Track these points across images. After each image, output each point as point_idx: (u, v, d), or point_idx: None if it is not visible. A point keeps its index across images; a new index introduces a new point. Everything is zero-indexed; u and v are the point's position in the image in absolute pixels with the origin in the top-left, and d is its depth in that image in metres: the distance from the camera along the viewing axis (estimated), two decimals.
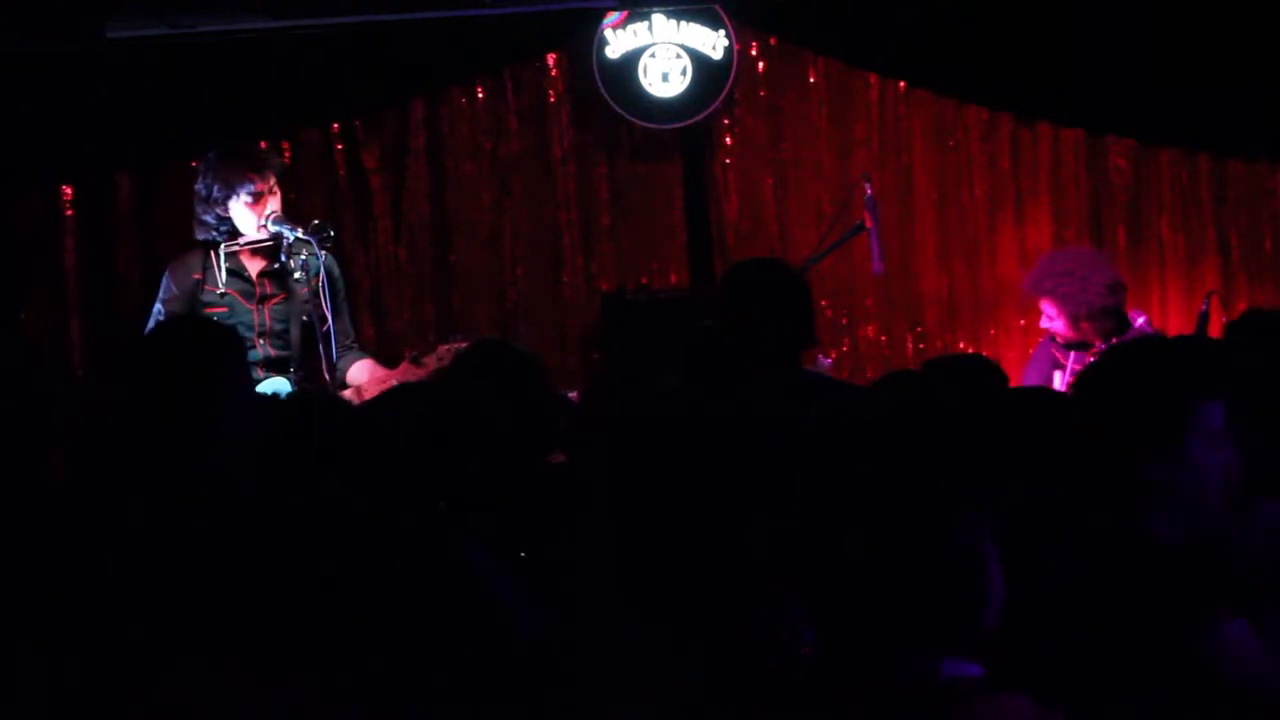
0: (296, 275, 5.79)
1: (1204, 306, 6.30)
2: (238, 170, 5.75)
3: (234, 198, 5.74)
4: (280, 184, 5.86)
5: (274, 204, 5.77)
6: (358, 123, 7.50)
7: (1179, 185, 7.69)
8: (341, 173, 7.50)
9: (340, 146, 7.49)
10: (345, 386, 5.81)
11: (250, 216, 5.75)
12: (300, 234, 5.74)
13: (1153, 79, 7.39)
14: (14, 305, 7.30)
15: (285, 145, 7.41)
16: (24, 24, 6.65)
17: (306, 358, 5.87)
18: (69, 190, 7.32)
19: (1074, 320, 6.31)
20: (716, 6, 7.45)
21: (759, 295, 4.56)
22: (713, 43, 7.45)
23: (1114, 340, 6.30)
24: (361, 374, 5.85)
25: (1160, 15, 7.33)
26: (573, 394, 6.59)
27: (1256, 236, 7.68)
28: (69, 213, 7.32)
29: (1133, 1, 7.38)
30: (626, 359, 7.08)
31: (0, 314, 7.25)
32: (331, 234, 5.81)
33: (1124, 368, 2.78)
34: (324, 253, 5.73)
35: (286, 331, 5.85)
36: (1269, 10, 7.28)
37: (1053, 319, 6.36)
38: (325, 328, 5.72)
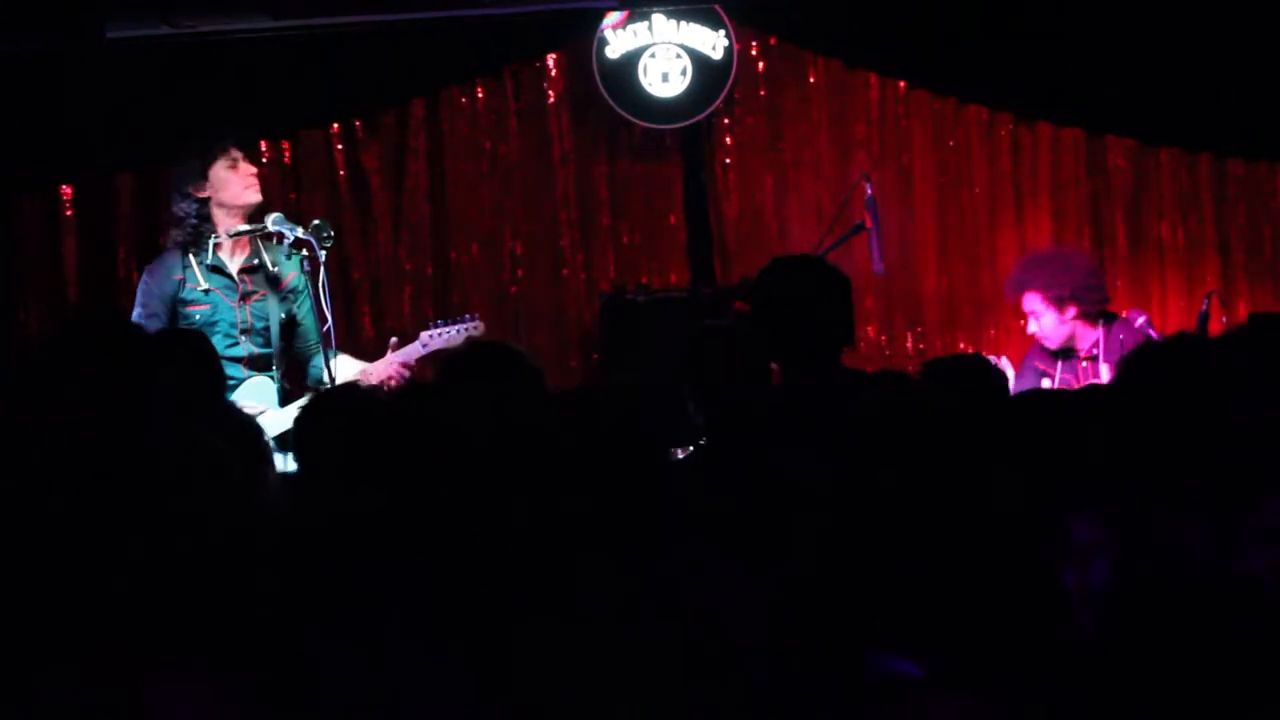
0: (274, 269, 5.87)
1: (1204, 306, 6.31)
2: (212, 141, 5.81)
3: (216, 160, 5.78)
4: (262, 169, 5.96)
5: (253, 176, 5.83)
6: (358, 123, 7.51)
7: (1179, 185, 7.68)
8: (341, 173, 7.50)
9: (340, 146, 7.49)
10: (320, 384, 5.87)
11: (232, 184, 5.80)
12: (301, 233, 5.77)
13: (1153, 79, 7.39)
14: (14, 305, 7.30)
15: (285, 145, 7.42)
16: (24, 24, 6.64)
17: (285, 354, 5.93)
18: (69, 190, 7.32)
19: (1060, 303, 6.32)
20: (716, 6, 7.45)
21: (800, 291, 4.47)
22: (713, 43, 7.46)
23: (1099, 330, 6.34)
24: (342, 367, 5.83)
25: (1161, 15, 7.33)
26: None
27: (1256, 236, 7.68)
28: (69, 213, 7.32)
29: (1134, 1, 7.38)
30: (626, 359, 7.08)
31: (0, 314, 7.25)
32: (331, 234, 5.83)
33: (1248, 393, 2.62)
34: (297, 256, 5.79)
35: (267, 329, 5.86)
36: (1269, 10, 7.28)
37: (1039, 315, 6.37)
38: (325, 327, 5.75)
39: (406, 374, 5.84)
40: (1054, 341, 6.40)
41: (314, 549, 2.71)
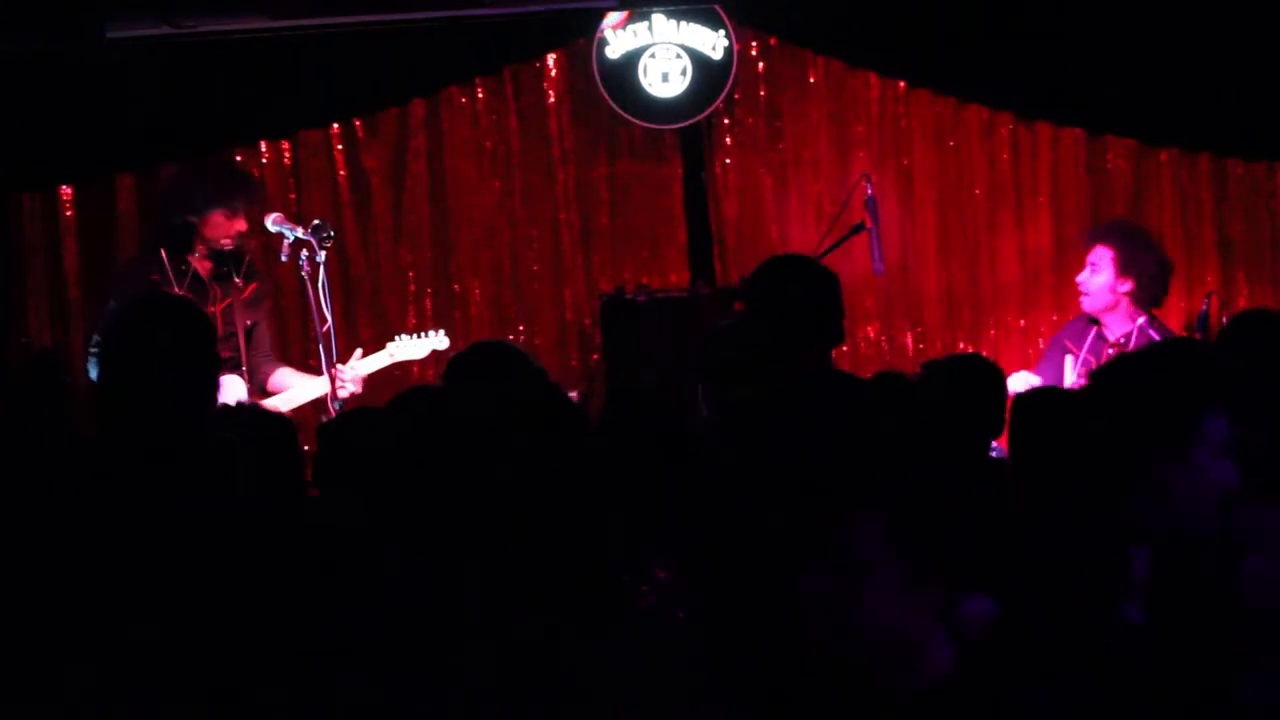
0: (239, 278, 6.11)
1: (1204, 306, 6.33)
2: (234, 190, 6.03)
3: (219, 209, 5.90)
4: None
5: (242, 226, 6.06)
6: (358, 123, 7.51)
7: (1179, 185, 7.69)
8: (341, 173, 7.50)
9: (340, 146, 7.49)
10: (265, 393, 6.20)
11: (224, 228, 5.99)
12: (301, 234, 5.80)
13: (1153, 79, 7.40)
14: (14, 305, 7.30)
15: (285, 145, 7.42)
16: (24, 24, 6.65)
17: (249, 358, 6.18)
18: (69, 190, 7.33)
19: (1124, 271, 6.35)
20: (716, 6, 7.45)
21: (795, 292, 4.52)
22: (713, 43, 7.46)
23: (1140, 320, 6.37)
24: (286, 380, 6.18)
25: (1160, 15, 7.33)
26: (572, 394, 6.60)
27: (1256, 236, 7.69)
28: (69, 213, 7.32)
29: (1134, 1, 7.38)
30: (626, 359, 7.08)
31: (0, 314, 7.26)
32: (331, 234, 5.87)
33: (1149, 369, 2.90)
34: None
35: (234, 335, 5.98)
36: (1269, 10, 7.28)
37: (1098, 268, 6.40)
38: (325, 328, 5.79)
39: (358, 387, 6.04)
40: (1094, 302, 6.43)
41: (315, 548, 2.71)
